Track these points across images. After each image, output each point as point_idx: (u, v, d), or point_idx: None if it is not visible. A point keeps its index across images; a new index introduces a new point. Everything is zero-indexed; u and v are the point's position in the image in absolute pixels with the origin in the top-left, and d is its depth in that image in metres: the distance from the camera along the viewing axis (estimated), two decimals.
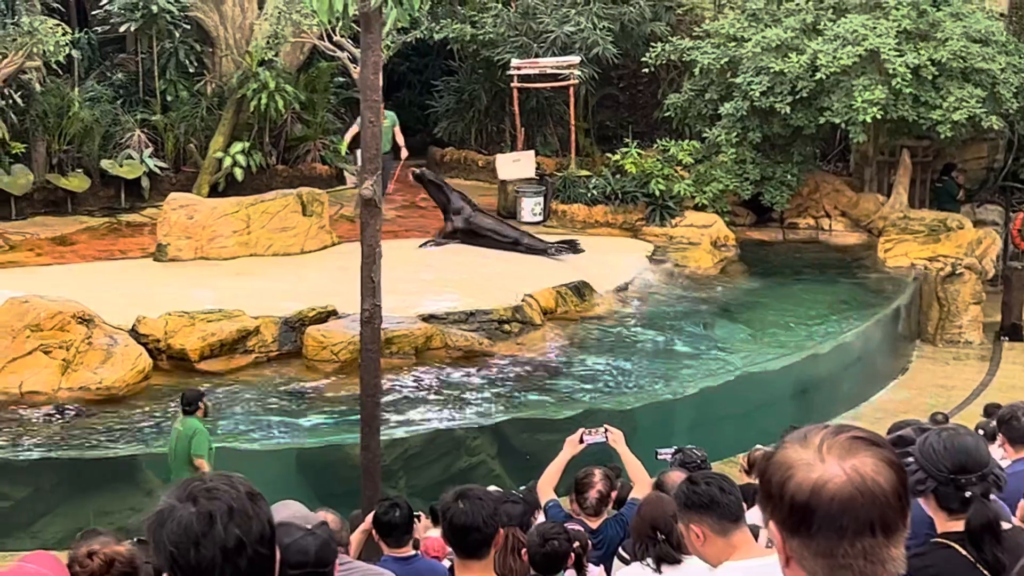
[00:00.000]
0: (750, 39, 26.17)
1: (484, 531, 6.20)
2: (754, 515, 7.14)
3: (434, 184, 25.70)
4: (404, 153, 26.59)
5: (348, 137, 27.00)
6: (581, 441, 9.67)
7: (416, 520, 9.10)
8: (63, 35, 25.21)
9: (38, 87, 27.24)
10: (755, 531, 6.67)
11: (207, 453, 14.61)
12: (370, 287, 12.00)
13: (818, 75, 24.58)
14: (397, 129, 26.39)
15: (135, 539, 5.68)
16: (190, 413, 14.81)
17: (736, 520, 5.84)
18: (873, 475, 3.02)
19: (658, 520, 7.46)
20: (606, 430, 9.70)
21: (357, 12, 11.60)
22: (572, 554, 7.84)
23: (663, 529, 7.39)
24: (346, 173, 29.98)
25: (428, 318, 20.05)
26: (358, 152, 26.50)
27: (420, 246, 24.78)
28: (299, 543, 5.34)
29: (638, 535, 7.63)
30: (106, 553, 5.26)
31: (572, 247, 24.65)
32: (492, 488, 10.91)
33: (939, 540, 5.41)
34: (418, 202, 29.08)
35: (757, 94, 25.35)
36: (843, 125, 25.11)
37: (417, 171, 26.22)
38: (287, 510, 5.76)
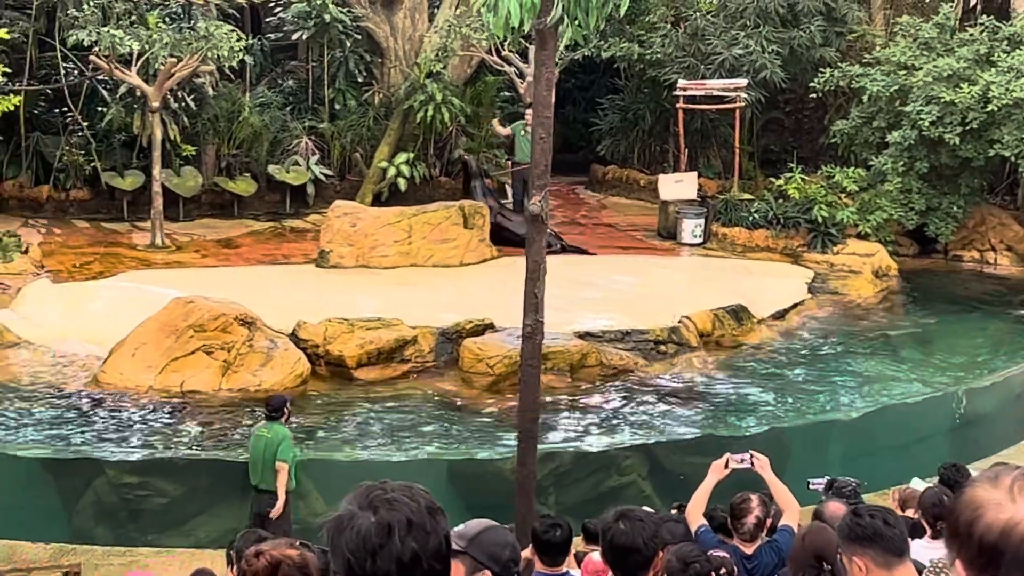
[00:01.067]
0: (921, 68, 25.84)
1: (644, 553, 6.14)
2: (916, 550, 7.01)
3: (467, 176, 26.01)
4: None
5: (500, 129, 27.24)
6: (726, 466, 9.57)
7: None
8: (237, 41, 25.61)
9: (211, 91, 27.76)
10: (919, 567, 6.54)
11: (291, 460, 14.65)
12: (533, 303, 12.00)
13: (990, 107, 24.19)
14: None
15: (300, 542, 5.65)
16: (275, 419, 14.79)
17: (900, 554, 5.74)
18: None
19: (822, 550, 7.33)
20: (752, 456, 9.59)
21: (532, 29, 11.62)
22: None
23: (828, 559, 7.27)
24: (507, 187, 30.11)
25: (584, 335, 20.00)
26: (509, 164, 26.75)
27: None
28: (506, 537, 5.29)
29: (800, 564, 7.50)
30: (273, 555, 5.27)
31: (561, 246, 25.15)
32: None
33: None
34: (578, 218, 29.14)
35: (926, 123, 25.00)
36: (1013, 158, 24.66)
37: (465, 156, 26.46)
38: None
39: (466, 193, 28.12)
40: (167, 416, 17.44)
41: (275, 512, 14.52)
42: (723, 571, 8.01)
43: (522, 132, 25.69)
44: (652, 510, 9.58)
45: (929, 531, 9.18)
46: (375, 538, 3.28)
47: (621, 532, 6.15)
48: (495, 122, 28.12)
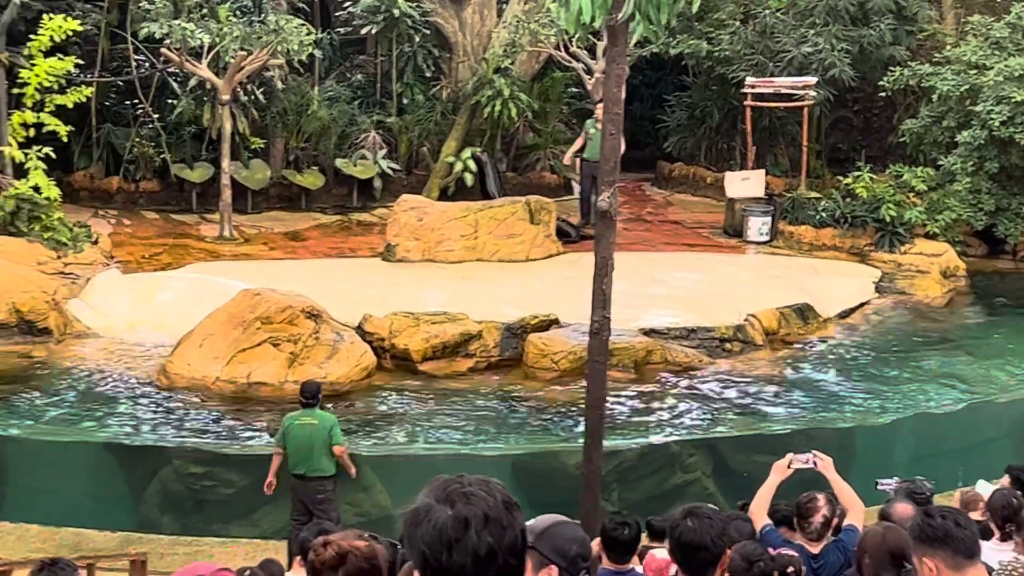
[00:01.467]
0: (992, 67, 25.59)
1: (712, 550, 6.12)
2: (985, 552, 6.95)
3: (481, 171, 26.34)
4: None
5: (572, 150, 27.10)
6: (789, 466, 9.53)
7: None
8: (307, 35, 25.72)
9: (280, 85, 27.90)
10: (988, 569, 6.49)
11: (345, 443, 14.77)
12: (601, 299, 11.99)
13: None
14: None
15: (368, 534, 5.67)
16: (313, 405, 14.87)
17: (971, 556, 5.70)
18: None
19: (899, 549, 7.27)
20: (814, 455, 9.55)
21: (603, 25, 11.62)
22: None
23: (908, 559, 7.22)
24: (573, 183, 30.11)
25: (649, 332, 19.97)
26: (577, 161, 26.71)
27: None
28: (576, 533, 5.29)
29: (879, 563, 7.42)
30: (341, 545, 5.29)
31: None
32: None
33: None
34: (644, 215, 29.09)
35: (997, 123, 24.77)
36: None
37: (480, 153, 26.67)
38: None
39: (483, 189, 28.18)
40: (234, 407, 17.55)
41: (352, 473, 14.87)
42: (790, 570, 7.98)
43: (592, 129, 25.64)
44: (717, 508, 9.56)
45: (998, 533, 9.12)
46: (451, 532, 3.29)
47: (689, 529, 6.13)
48: (566, 157, 27.96)
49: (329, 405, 16.10)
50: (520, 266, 23.96)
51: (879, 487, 10.63)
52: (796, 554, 8.58)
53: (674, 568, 9.99)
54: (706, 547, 6.09)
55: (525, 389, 18.67)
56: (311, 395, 14.91)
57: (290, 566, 10.97)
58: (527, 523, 4.63)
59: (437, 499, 3.36)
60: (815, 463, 9.48)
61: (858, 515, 9.26)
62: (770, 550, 8.39)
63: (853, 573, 8.00)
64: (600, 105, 25.64)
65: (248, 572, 9.46)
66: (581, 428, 15.16)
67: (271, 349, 18.23)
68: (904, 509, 8.26)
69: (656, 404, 18.44)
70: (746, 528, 9.26)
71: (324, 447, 14.66)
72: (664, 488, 17.10)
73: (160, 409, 17.49)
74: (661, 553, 9.49)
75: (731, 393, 18.98)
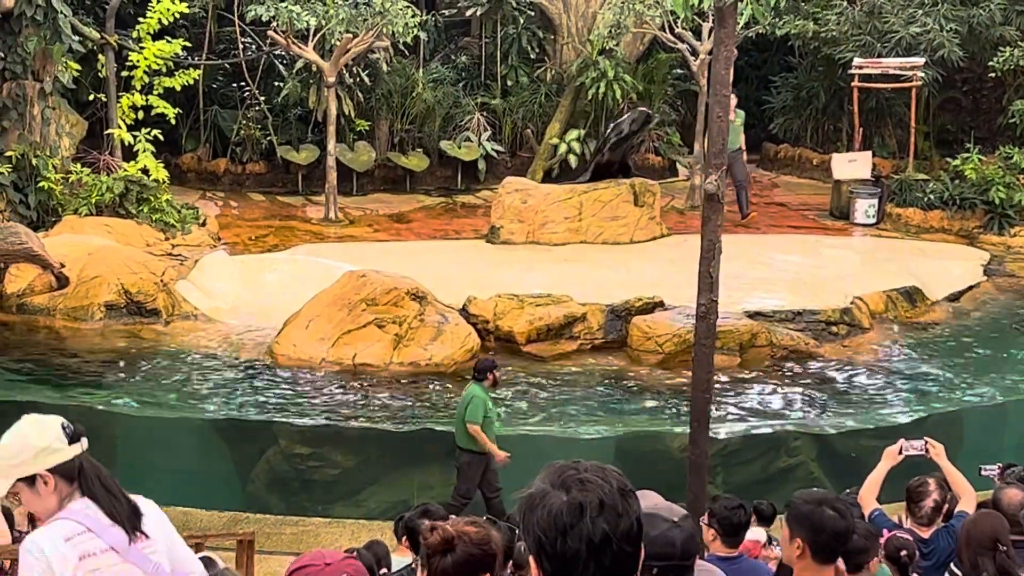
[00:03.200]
0: None
1: (848, 535, 6.06)
2: None
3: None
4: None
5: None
6: (900, 452, 9.42)
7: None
8: (412, 17, 25.79)
9: (385, 67, 28.03)
10: None
11: (481, 421, 14.80)
12: (708, 282, 11.90)
13: None
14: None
15: (486, 518, 5.64)
16: (479, 381, 15.02)
17: None
18: None
19: (995, 533, 7.24)
20: (927, 443, 9.43)
21: (711, 6, 11.53)
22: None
23: (1003, 541, 7.17)
24: (678, 165, 29.97)
25: (755, 315, 19.82)
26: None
27: None
28: (665, 535, 5.26)
29: (975, 548, 7.38)
30: (447, 530, 5.25)
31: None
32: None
33: None
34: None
35: None
36: None
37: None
38: (648, 500, 5.68)
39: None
40: (339, 388, 17.66)
41: (500, 460, 15.01)
42: (903, 553, 7.92)
43: (732, 118, 25.51)
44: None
45: None
46: (566, 517, 3.27)
47: (831, 517, 6.05)
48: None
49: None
50: (624, 248, 23.90)
51: (983, 473, 10.49)
52: (909, 537, 8.51)
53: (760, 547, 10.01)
54: (853, 531, 5.98)
55: (629, 371, 18.61)
56: (476, 370, 15.28)
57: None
58: None
59: (552, 484, 3.34)
60: (927, 450, 9.38)
61: (970, 502, 9.15)
62: (884, 532, 8.34)
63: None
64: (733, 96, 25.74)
65: (355, 553, 9.49)
66: (685, 411, 15.10)
67: (376, 331, 18.33)
68: (1015, 495, 8.14)
69: (761, 387, 18.31)
70: (856, 512, 9.19)
71: (461, 420, 14.94)
72: (768, 472, 17.01)
73: (267, 389, 17.64)
74: (752, 534, 9.51)
75: (837, 376, 18.80)
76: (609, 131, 24.89)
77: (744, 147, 26.34)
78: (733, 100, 25.07)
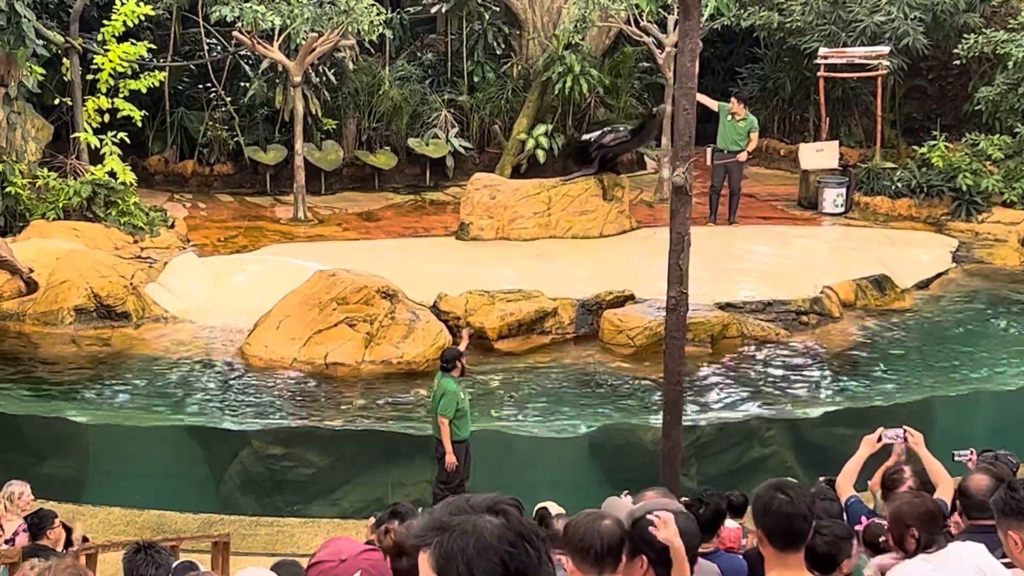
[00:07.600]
0: None
1: (808, 522, 5.99)
2: None
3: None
4: (743, 156, 25.97)
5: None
6: (879, 440, 9.46)
7: None
8: (377, 15, 25.75)
9: (351, 65, 28.01)
10: None
11: (452, 415, 14.82)
12: (677, 274, 11.93)
13: None
14: (755, 134, 25.95)
15: None
16: (447, 371, 15.03)
17: None
18: None
19: (938, 511, 7.42)
20: (905, 431, 9.47)
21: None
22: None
23: (947, 517, 7.28)
24: (646, 158, 30.00)
25: (725, 306, 19.87)
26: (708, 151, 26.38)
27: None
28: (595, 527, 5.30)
29: (926, 529, 7.44)
30: (399, 533, 5.28)
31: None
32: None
33: None
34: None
35: None
36: None
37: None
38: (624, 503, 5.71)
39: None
40: (311, 388, 17.65)
41: (448, 464, 14.92)
42: (882, 539, 7.98)
43: (727, 118, 25.44)
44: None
45: None
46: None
47: (785, 502, 5.97)
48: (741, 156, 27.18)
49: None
50: (593, 242, 23.92)
51: (956, 458, 10.54)
52: (885, 523, 8.55)
53: (745, 540, 10.02)
54: (804, 517, 5.87)
55: (601, 365, 18.63)
56: (444, 360, 15.27)
57: None
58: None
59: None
60: (906, 438, 9.42)
61: (947, 490, 9.19)
62: (862, 519, 8.40)
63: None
64: (735, 97, 25.66)
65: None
66: (657, 403, 15.12)
67: (347, 330, 18.32)
68: (981, 480, 8.18)
69: (732, 378, 18.36)
70: (834, 508, 9.22)
71: (435, 413, 14.99)
72: (742, 462, 17.05)
73: (239, 391, 17.61)
74: (731, 524, 9.54)
75: (808, 366, 18.86)
76: (622, 130, 24.83)
77: (750, 152, 26.08)
78: (737, 106, 25.24)
